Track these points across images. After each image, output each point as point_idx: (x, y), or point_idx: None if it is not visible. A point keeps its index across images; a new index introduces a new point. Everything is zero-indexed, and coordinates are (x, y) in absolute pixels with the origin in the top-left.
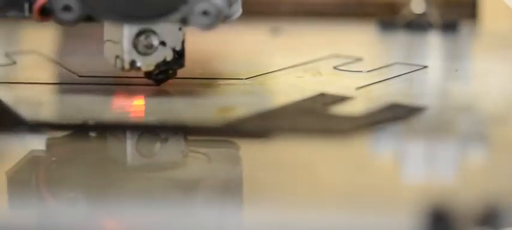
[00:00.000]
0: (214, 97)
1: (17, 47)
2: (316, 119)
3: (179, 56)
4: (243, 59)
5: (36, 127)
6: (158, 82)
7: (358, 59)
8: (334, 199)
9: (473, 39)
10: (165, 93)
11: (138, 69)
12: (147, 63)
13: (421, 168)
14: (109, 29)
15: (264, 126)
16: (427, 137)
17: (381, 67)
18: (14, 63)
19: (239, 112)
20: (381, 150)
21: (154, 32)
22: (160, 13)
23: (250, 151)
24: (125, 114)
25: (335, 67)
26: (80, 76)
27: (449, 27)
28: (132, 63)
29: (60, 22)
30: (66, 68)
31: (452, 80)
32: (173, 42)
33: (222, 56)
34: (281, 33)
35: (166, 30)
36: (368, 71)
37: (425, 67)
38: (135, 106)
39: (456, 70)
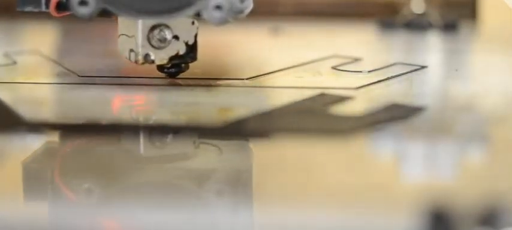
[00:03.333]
0: (214, 98)
1: (17, 47)
2: (316, 119)
3: (192, 49)
4: (243, 59)
5: (36, 127)
6: (171, 75)
7: (358, 59)
8: (334, 199)
9: (473, 39)
10: (164, 93)
11: (152, 62)
12: (160, 57)
13: (421, 168)
14: (123, 24)
15: (264, 126)
16: (427, 137)
17: (381, 68)
18: (14, 63)
19: (239, 113)
20: (381, 150)
21: (167, 26)
22: (176, 8)
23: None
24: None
25: (335, 67)
26: (80, 76)
27: (449, 27)
28: (146, 56)
29: (77, 16)
30: (66, 68)
31: (452, 80)
32: (186, 36)
33: (223, 56)
34: (281, 33)
35: (179, 24)
36: (368, 71)
37: (425, 67)
38: (136, 106)
39: (456, 70)
